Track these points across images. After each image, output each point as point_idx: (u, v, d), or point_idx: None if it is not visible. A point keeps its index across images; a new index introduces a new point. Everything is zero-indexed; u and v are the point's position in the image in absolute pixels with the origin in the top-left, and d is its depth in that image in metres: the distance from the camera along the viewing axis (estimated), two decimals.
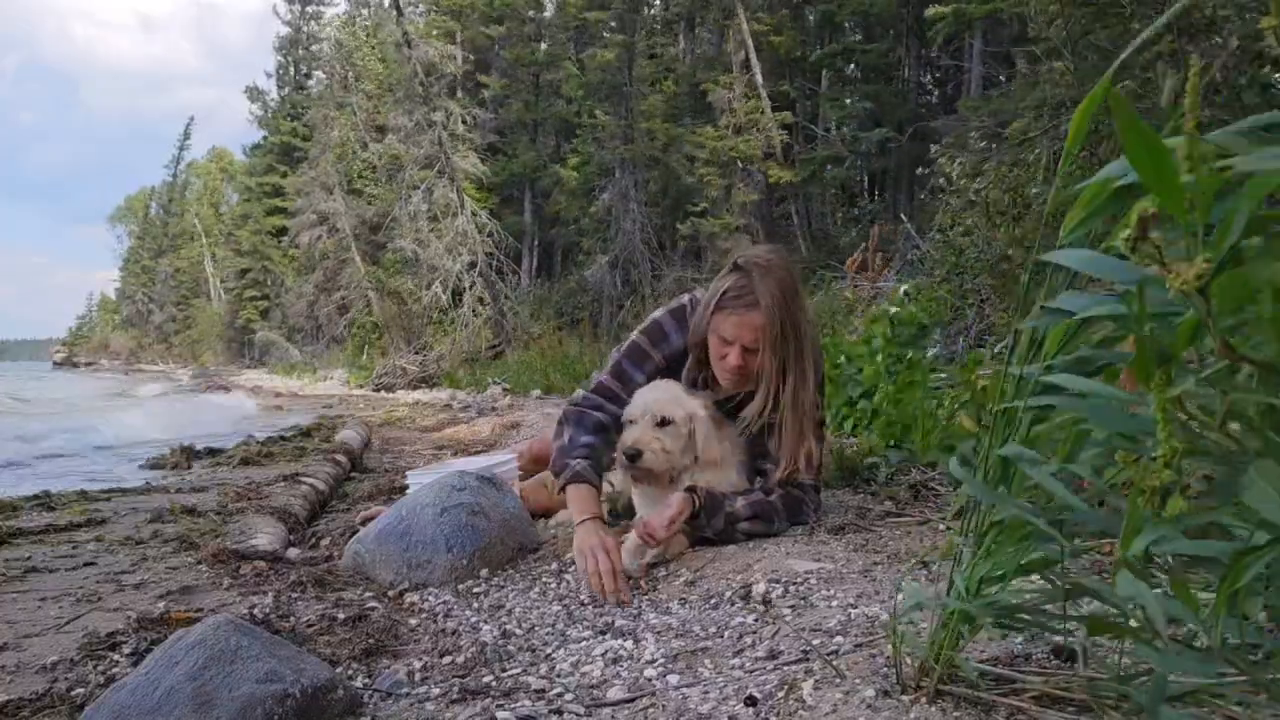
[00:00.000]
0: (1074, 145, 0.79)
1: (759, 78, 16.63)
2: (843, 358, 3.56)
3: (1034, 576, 0.95)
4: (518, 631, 1.62)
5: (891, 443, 2.98)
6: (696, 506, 1.99)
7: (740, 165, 16.41)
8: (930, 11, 12.72)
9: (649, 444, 2.02)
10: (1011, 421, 0.92)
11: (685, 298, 2.24)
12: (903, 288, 3.46)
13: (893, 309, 3.39)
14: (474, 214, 17.82)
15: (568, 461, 2.10)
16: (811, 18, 19.26)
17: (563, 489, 2.09)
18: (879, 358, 3.28)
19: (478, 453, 4.96)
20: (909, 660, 1.07)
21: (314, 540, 2.67)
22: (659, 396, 2.09)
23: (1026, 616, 0.94)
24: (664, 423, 2.05)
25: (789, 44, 17.48)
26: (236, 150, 46.30)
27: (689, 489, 2.01)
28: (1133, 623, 0.84)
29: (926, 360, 3.30)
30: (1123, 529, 0.75)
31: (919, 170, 7.58)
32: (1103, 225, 0.78)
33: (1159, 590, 0.81)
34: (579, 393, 2.26)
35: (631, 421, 2.08)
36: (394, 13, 17.91)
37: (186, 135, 54.39)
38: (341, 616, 1.66)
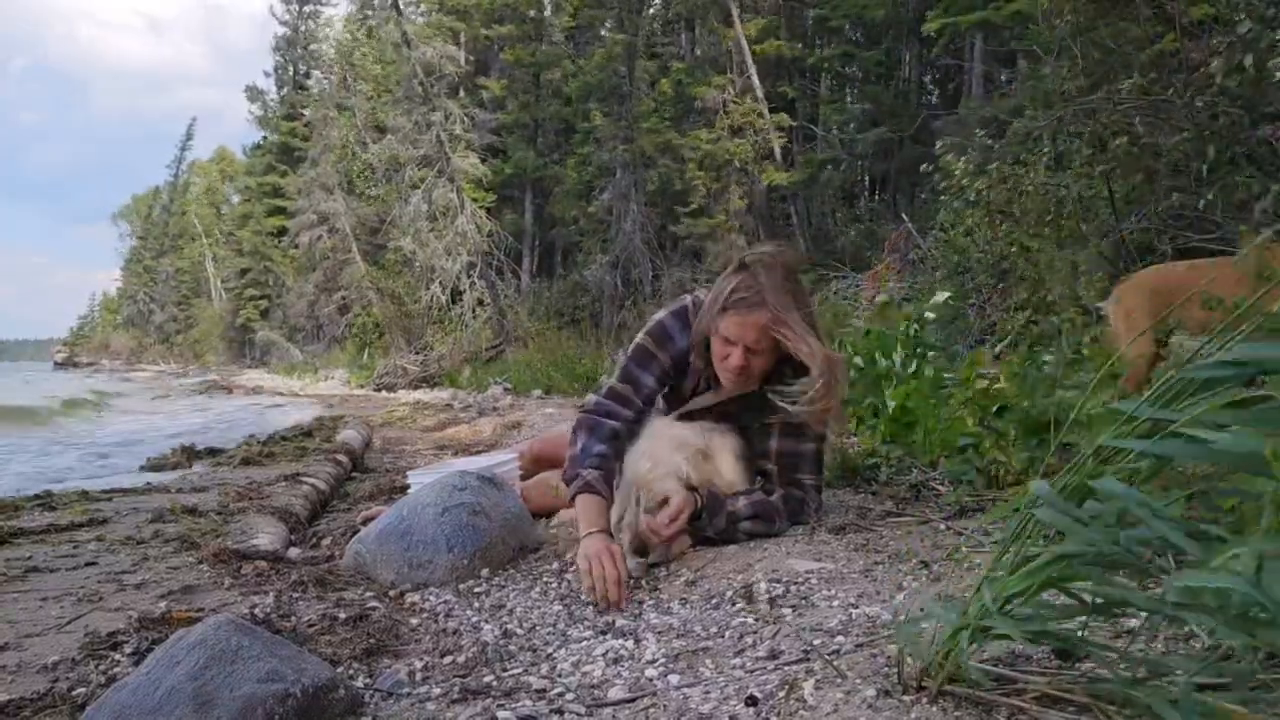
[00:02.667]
0: None
1: (755, 80, 16.62)
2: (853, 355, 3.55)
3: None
4: (519, 631, 1.62)
5: (894, 438, 2.98)
6: (698, 506, 1.99)
7: (738, 166, 16.41)
8: (927, 25, 12.77)
9: (653, 546, 1.95)
10: (1101, 454, 0.91)
11: (687, 298, 2.23)
12: (944, 296, 3.43)
13: (928, 312, 3.37)
14: (474, 214, 17.82)
15: (579, 471, 2.06)
16: (810, 19, 19.27)
17: (573, 499, 2.05)
18: (899, 357, 3.26)
19: (479, 453, 4.96)
20: (910, 660, 1.07)
21: (315, 540, 2.67)
22: (650, 471, 2.00)
23: (1058, 630, 0.94)
24: (664, 502, 1.97)
25: (786, 47, 17.47)
26: (240, 151, 46.33)
27: (691, 488, 2.00)
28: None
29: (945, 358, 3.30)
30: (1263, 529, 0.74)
31: (923, 167, 7.55)
32: None
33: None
34: (591, 398, 2.22)
35: (636, 501, 1.98)
36: (393, 12, 17.91)
37: (189, 136, 54.48)
38: (342, 616, 1.66)
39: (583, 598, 1.81)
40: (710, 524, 2.00)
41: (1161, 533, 0.81)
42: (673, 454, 2.02)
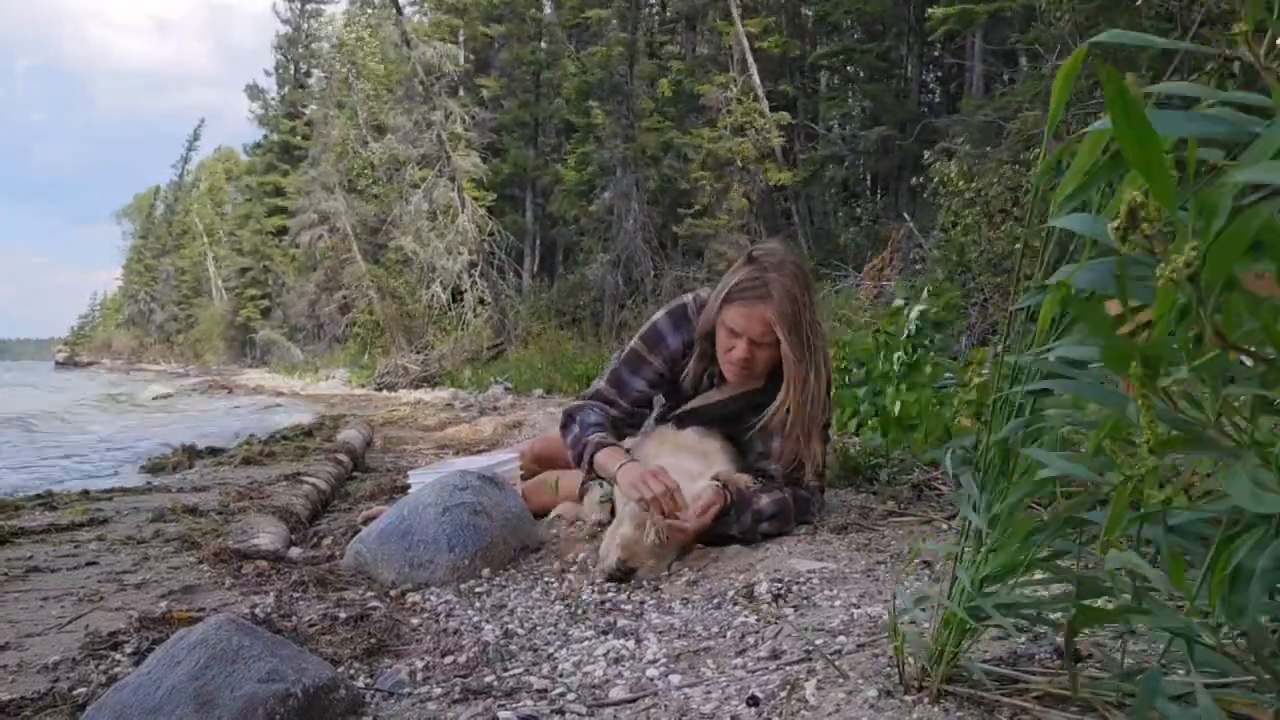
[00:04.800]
0: (1058, 111, 0.78)
1: (755, 78, 16.62)
2: (847, 357, 3.55)
3: (1036, 574, 0.95)
4: (520, 631, 1.62)
5: (893, 437, 2.98)
6: (727, 502, 1.98)
7: (740, 165, 16.40)
8: (932, 12, 12.73)
9: (642, 559, 1.92)
10: (1009, 410, 0.92)
11: (687, 297, 2.22)
12: (925, 290, 3.44)
13: (918, 307, 3.36)
14: (475, 213, 17.83)
15: (585, 441, 2.12)
16: (810, 16, 19.26)
17: (590, 465, 2.10)
18: (893, 355, 3.26)
19: (479, 452, 4.96)
20: (911, 660, 1.07)
21: (316, 540, 2.66)
22: None
23: (1030, 613, 0.94)
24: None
25: (786, 44, 17.46)
26: (242, 150, 46.33)
27: (721, 484, 1.98)
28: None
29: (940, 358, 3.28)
30: (1107, 515, 0.75)
31: (914, 180, 7.60)
32: (1100, 194, 0.78)
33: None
34: (576, 401, 2.28)
35: (628, 521, 1.94)
36: (393, 11, 17.91)
37: (196, 136, 54.54)
38: (343, 616, 1.66)
39: (583, 596, 1.81)
40: (736, 521, 1.99)
41: (1061, 470, 0.81)
42: (691, 484, 2.00)
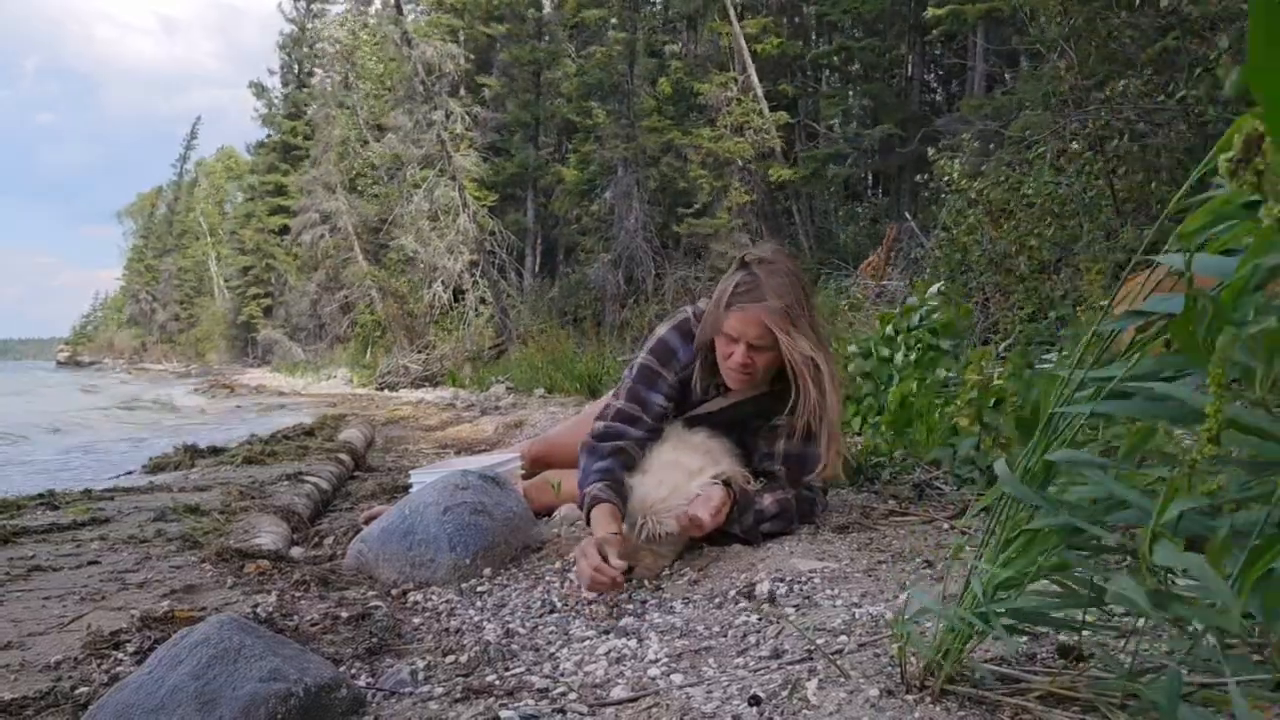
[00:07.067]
0: (1224, 145, 0.68)
1: (754, 78, 16.61)
2: (855, 355, 3.54)
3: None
4: (521, 630, 1.62)
5: (894, 435, 2.98)
6: (733, 501, 1.97)
7: (740, 164, 16.39)
8: (929, 13, 12.75)
9: (641, 559, 1.91)
10: (1056, 426, 0.90)
11: (687, 309, 2.22)
12: (935, 286, 3.40)
13: (925, 308, 3.32)
14: (476, 213, 17.83)
15: (584, 492, 2.05)
16: (810, 15, 19.24)
17: (587, 519, 2.02)
18: (899, 356, 3.25)
19: (481, 451, 4.96)
20: (913, 660, 1.07)
21: (317, 539, 2.67)
22: (660, 498, 1.95)
23: (1051, 617, 0.93)
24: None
25: (786, 44, 17.45)
26: (245, 149, 46.25)
27: (725, 483, 1.97)
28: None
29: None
30: (1158, 503, 0.74)
31: (918, 177, 7.58)
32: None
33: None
34: (598, 424, 2.19)
35: (633, 524, 1.95)
36: (394, 11, 17.91)
37: (193, 135, 54.47)
38: (345, 615, 1.66)
39: (585, 595, 1.78)
40: (739, 520, 1.99)
41: (1105, 488, 0.80)
42: (689, 481, 1.99)
